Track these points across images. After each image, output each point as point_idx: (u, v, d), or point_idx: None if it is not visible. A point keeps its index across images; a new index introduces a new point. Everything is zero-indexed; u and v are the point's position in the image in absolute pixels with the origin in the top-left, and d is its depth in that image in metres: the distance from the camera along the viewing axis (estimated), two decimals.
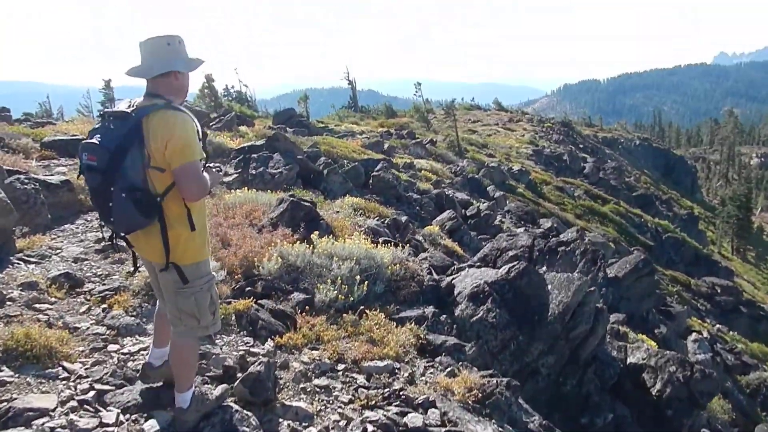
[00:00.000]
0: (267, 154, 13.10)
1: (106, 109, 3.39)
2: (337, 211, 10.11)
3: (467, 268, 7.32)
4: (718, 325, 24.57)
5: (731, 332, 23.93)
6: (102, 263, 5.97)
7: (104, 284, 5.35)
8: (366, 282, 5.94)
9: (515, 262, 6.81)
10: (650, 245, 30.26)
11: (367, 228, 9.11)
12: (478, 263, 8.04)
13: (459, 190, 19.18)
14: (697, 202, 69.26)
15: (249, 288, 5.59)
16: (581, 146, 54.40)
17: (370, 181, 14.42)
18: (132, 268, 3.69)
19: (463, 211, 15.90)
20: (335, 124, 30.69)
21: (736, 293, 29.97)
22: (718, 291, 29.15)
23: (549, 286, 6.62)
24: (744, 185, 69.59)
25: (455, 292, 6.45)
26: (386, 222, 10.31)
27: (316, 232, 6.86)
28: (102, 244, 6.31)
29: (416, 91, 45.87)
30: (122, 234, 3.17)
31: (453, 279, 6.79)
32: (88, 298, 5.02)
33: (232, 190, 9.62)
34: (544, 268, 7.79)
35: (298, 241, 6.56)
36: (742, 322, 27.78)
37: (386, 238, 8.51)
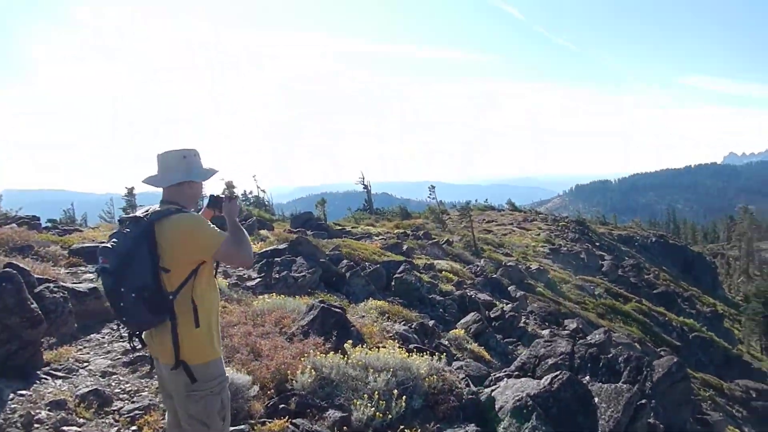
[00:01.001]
0: (290, 258, 13.07)
1: (123, 215, 3.72)
2: (363, 316, 9.88)
3: (505, 378, 6.97)
4: None
5: None
6: (130, 378, 5.75)
7: (133, 402, 5.12)
8: (404, 396, 5.64)
9: (557, 372, 6.47)
10: (677, 345, 29.29)
11: (395, 333, 8.86)
12: (517, 372, 7.67)
13: (481, 291, 18.89)
14: (719, 298, 67.78)
15: (282, 405, 5.31)
16: (597, 244, 54.20)
17: (392, 283, 14.26)
18: (149, 368, 3.65)
19: (487, 312, 15.56)
20: (352, 226, 30.91)
21: None
22: (754, 395, 27.79)
23: (596, 399, 6.26)
24: (766, 281, 68.25)
25: (496, 407, 6.09)
26: (413, 326, 10.05)
27: (350, 341, 6.62)
28: (130, 356, 6.12)
29: (430, 194, 46.60)
30: (137, 333, 3.29)
31: (493, 391, 6.44)
32: (117, 418, 4.79)
33: (258, 295, 9.49)
34: (587, 377, 7.44)
35: (331, 351, 6.32)
36: None
37: (416, 345, 8.24)
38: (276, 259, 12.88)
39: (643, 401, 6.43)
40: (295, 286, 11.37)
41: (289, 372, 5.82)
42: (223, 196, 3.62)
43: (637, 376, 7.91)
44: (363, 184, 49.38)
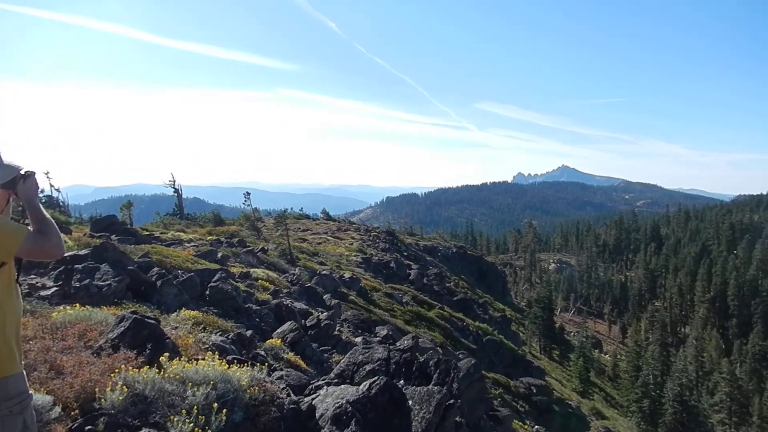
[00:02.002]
0: (93, 265, 12.00)
1: None
2: (176, 327, 9.39)
3: (325, 386, 7.09)
4: (537, 426, 26.10)
5: None
6: None
7: None
8: (224, 409, 5.48)
9: (375, 377, 6.74)
10: (473, 348, 31.91)
11: (212, 345, 8.58)
12: (336, 380, 7.83)
13: (297, 299, 18.95)
14: (508, 304, 75.26)
15: (89, 426, 4.86)
16: (405, 254, 57.19)
17: (207, 292, 13.76)
18: None
19: (303, 321, 15.63)
20: (161, 232, 29.20)
21: (548, 392, 32.31)
22: (534, 391, 31.21)
23: (410, 402, 6.61)
24: (545, 288, 77.18)
25: (317, 415, 6.18)
26: (231, 337, 9.79)
27: (166, 354, 6.26)
28: None
29: (245, 200, 45.65)
30: None
31: (313, 400, 6.52)
32: None
33: (55, 306, 8.58)
34: (402, 381, 7.82)
35: (145, 365, 5.92)
36: (555, 420, 29.87)
37: (235, 356, 8.05)
38: (76, 266, 11.74)
39: (451, 401, 6.94)
40: (99, 296, 10.46)
41: (96, 390, 5.35)
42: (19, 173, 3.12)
43: (446, 378, 8.50)
44: (173, 188, 46.92)
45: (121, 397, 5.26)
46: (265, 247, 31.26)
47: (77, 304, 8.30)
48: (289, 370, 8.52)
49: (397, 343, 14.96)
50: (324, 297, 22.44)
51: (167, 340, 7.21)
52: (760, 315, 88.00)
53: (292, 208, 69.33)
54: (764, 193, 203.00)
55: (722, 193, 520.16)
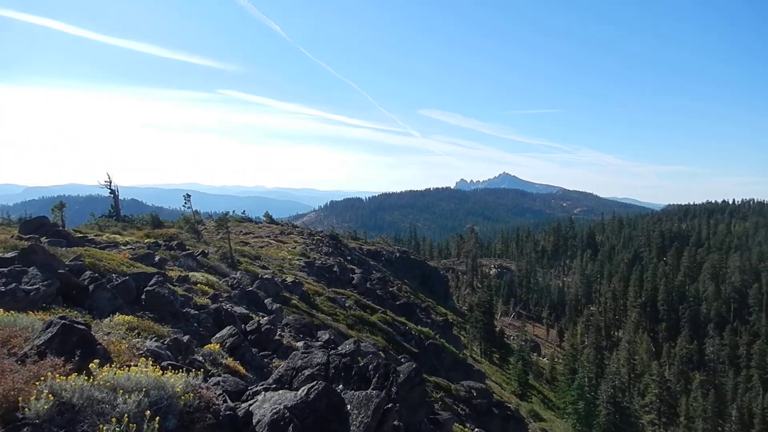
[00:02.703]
0: (20, 268, 11.46)
1: None
2: (108, 333, 9.09)
3: (263, 392, 6.99)
4: (476, 429, 26.44)
5: None
6: None
7: None
8: (157, 417, 5.33)
9: (313, 382, 6.69)
10: (415, 352, 32.12)
11: (147, 351, 8.33)
12: (275, 385, 7.72)
13: (237, 304, 18.63)
14: (450, 308, 76.18)
15: None
16: (349, 258, 57.10)
17: (143, 297, 13.35)
18: None
19: (243, 326, 15.37)
20: (96, 234, 28.16)
21: (488, 395, 32.76)
22: (474, 394, 31.60)
23: (349, 406, 6.59)
24: (486, 293, 78.53)
25: (254, 421, 6.08)
26: (166, 342, 9.53)
27: (96, 361, 6.03)
28: None
29: (185, 202, 44.54)
30: None
31: (250, 405, 6.41)
32: None
33: None
34: (341, 386, 7.78)
35: (74, 373, 5.69)
36: (495, 423, 30.34)
37: (170, 362, 7.84)
38: (2, 269, 11.19)
39: (390, 405, 6.96)
40: (26, 301, 9.99)
41: (20, 399, 5.11)
42: None
43: (385, 382, 8.52)
44: (109, 188, 45.29)
45: (46, 406, 5.04)
46: (206, 251, 30.63)
47: (1, 310, 7.92)
48: (226, 375, 8.36)
49: (339, 348, 14.88)
50: (265, 301, 22.15)
51: (98, 346, 6.95)
52: (687, 319, 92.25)
53: (234, 211, 68.18)
54: (691, 203, 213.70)
55: (653, 203, 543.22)
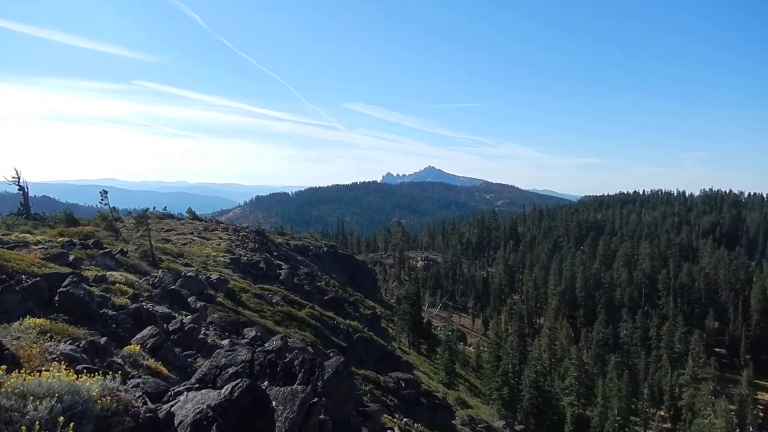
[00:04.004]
0: None
1: None
2: (18, 337, 8.61)
3: (186, 392, 6.82)
4: (405, 419, 26.84)
5: (416, 424, 26.36)
6: None
7: None
8: (71, 423, 5.11)
9: (237, 380, 6.59)
10: (344, 346, 32.19)
11: (60, 354, 7.96)
12: (197, 384, 7.55)
13: (159, 303, 18.08)
14: (378, 301, 76.79)
15: None
16: (276, 254, 56.47)
17: (56, 298, 12.71)
18: None
19: (165, 325, 14.93)
20: (3, 233, 26.57)
21: (416, 386, 33.30)
22: (403, 385, 32.05)
23: (274, 402, 6.54)
24: (414, 285, 79.62)
25: (176, 422, 5.93)
26: (82, 345, 9.13)
27: (3, 367, 5.71)
28: None
29: (102, 199, 42.65)
30: None
31: (172, 407, 6.25)
32: None
33: None
34: (266, 382, 7.70)
35: None
36: (423, 412, 30.89)
37: (86, 365, 7.53)
38: None
39: (315, 400, 6.96)
40: None
41: None
42: None
43: (310, 377, 8.50)
44: (18, 184, 42.76)
45: None
46: (125, 249, 29.47)
47: None
48: (147, 377, 8.11)
49: (266, 344, 14.71)
50: (189, 300, 21.60)
51: (6, 352, 6.59)
52: (603, 305, 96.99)
53: (155, 208, 65.82)
54: (606, 194, 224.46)
55: (571, 194, 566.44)
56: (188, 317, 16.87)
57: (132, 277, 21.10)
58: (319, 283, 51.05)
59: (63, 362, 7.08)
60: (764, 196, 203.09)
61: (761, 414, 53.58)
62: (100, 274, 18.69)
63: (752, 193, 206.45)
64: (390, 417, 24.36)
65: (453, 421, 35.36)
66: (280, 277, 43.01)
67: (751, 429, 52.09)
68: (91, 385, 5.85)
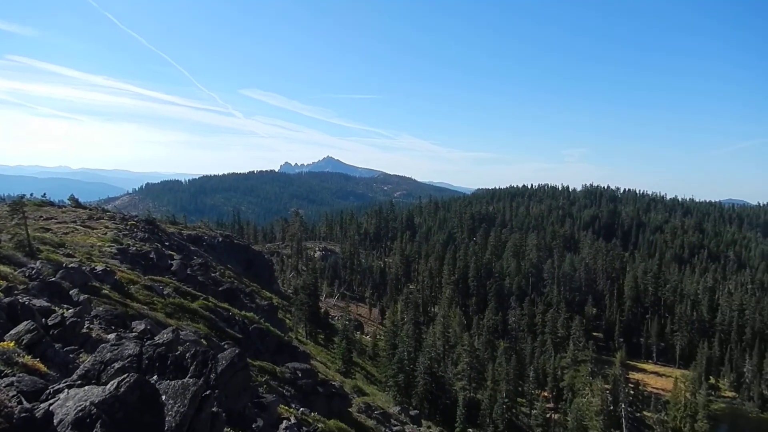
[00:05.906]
0: None
1: None
2: None
3: (66, 390, 6.45)
4: (302, 409, 26.84)
5: (313, 413, 26.45)
6: None
7: None
8: None
9: (124, 375, 6.31)
10: (239, 338, 31.60)
11: None
12: (80, 381, 7.15)
13: (37, 296, 16.90)
14: (275, 292, 75.90)
15: None
16: (167, 244, 54.32)
17: None
18: None
19: (43, 320, 13.97)
20: None
21: (313, 375, 33.32)
22: (299, 375, 31.97)
23: (164, 397, 6.32)
24: (311, 275, 79.37)
25: (55, 421, 5.60)
26: None
27: None
28: None
29: None
30: None
31: (51, 405, 5.89)
32: None
33: None
34: (156, 377, 7.41)
35: None
36: (320, 401, 31.04)
37: None
38: None
39: (208, 393, 6.79)
40: None
41: None
42: None
43: (203, 370, 8.29)
44: None
45: None
46: None
47: None
48: (22, 375, 7.57)
49: (156, 338, 14.17)
50: (71, 292, 20.32)
51: None
52: (494, 293, 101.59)
53: (32, 194, 61.07)
54: (497, 187, 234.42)
55: (465, 187, 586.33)
56: (70, 311, 15.87)
57: (6, 269, 19.61)
58: (213, 274, 49.68)
59: None
60: (637, 192, 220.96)
61: (632, 392, 58.32)
62: None
63: (627, 189, 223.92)
64: (286, 407, 24.24)
65: (349, 409, 35.73)
66: (172, 268, 41.43)
67: (623, 405, 56.59)
68: None
